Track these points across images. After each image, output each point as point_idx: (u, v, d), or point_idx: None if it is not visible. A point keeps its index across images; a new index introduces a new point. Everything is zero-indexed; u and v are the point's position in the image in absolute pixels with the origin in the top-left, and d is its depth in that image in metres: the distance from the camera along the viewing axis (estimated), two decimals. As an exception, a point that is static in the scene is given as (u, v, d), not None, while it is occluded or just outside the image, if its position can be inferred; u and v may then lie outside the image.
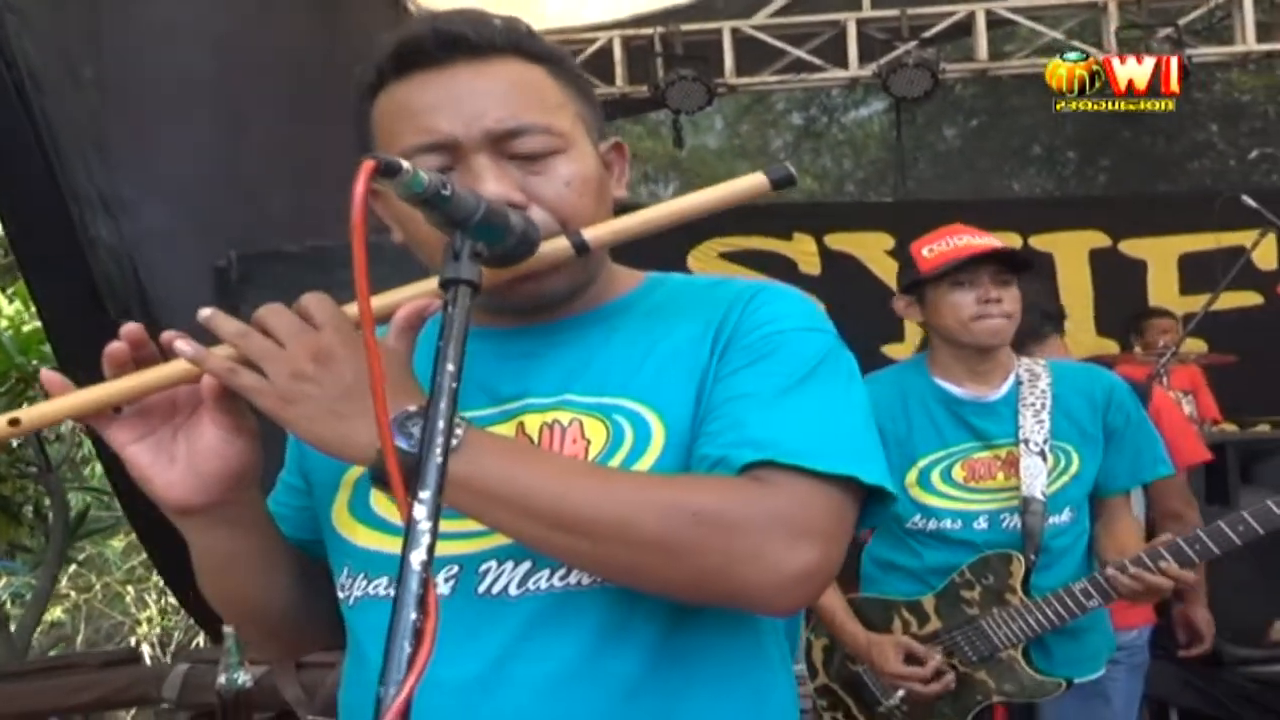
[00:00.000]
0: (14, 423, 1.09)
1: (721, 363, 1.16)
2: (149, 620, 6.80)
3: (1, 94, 3.09)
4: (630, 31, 6.90)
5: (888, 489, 1.11)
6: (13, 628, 4.46)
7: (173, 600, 6.71)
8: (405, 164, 0.92)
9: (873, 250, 6.72)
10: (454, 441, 0.96)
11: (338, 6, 5.30)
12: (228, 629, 2.43)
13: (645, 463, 1.14)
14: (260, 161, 4.31)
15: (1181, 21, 6.67)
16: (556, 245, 1.11)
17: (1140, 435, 2.59)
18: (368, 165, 0.90)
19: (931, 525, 2.53)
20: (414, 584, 0.82)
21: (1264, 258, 5.84)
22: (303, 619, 1.32)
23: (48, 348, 4.32)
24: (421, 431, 0.90)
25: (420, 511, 0.85)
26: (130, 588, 6.85)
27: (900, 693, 2.50)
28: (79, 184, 3.34)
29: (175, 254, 3.69)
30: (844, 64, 6.87)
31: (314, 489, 1.30)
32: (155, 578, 6.75)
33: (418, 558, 0.83)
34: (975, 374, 2.58)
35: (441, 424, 0.90)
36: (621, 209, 1.23)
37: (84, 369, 3.54)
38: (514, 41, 1.18)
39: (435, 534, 0.85)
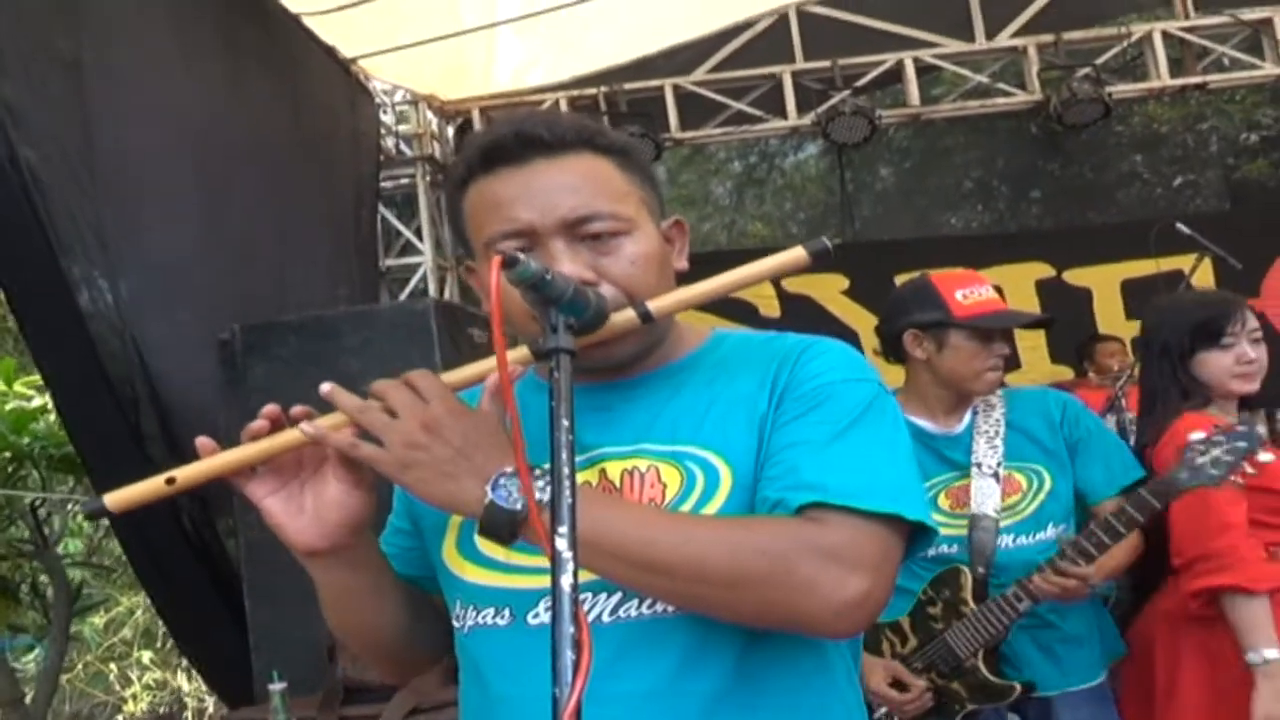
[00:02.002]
0: (170, 481, 1.24)
1: (778, 412, 1.31)
2: (134, 698, 6.73)
3: (7, 194, 3.22)
4: (575, 92, 7.06)
5: (928, 524, 1.26)
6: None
7: (157, 676, 6.67)
8: (521, 256, 1.08)
9: (829, 291, 6.90)
10: (547, 495, 1.11)
11: (299, 80, 5.45)
12: (274, 687, 2.51)
13: (715, 504, 1.28)
14: (240, 235, 4.45)
15: (1098, 61, 6.98)
16: (625, 316, 1.25)
17: (1106, 443, 2.74)
18: (497, 260, 1.07)
19: (932, 551, 2.67)
20: (566, 604, 0.95)
21: (1201, 281, 6.09)
22: (412, 644, 1.47)
23: (37, 425, 4.41)
24: (552, 481, 1.04)
25: (562, 543, 0.99)
26: (113, 665, 6.78)
27: (883, 709, 2.61)
28: (79, 267, 3.47)
29: (169, 327, 3.82)
30: (783, 114, 7.07)
31: (424, 532, 1.46)
32: (137, 653, 6.71)
33: (567, 581, 0.97)
34: (950, 412, 2.73)
35: (567, 470, 1.04)
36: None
37: (91, 436, 3.64)
38: (585, 138, 1.34)
39: (577, 561, 0.99)
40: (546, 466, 1.07)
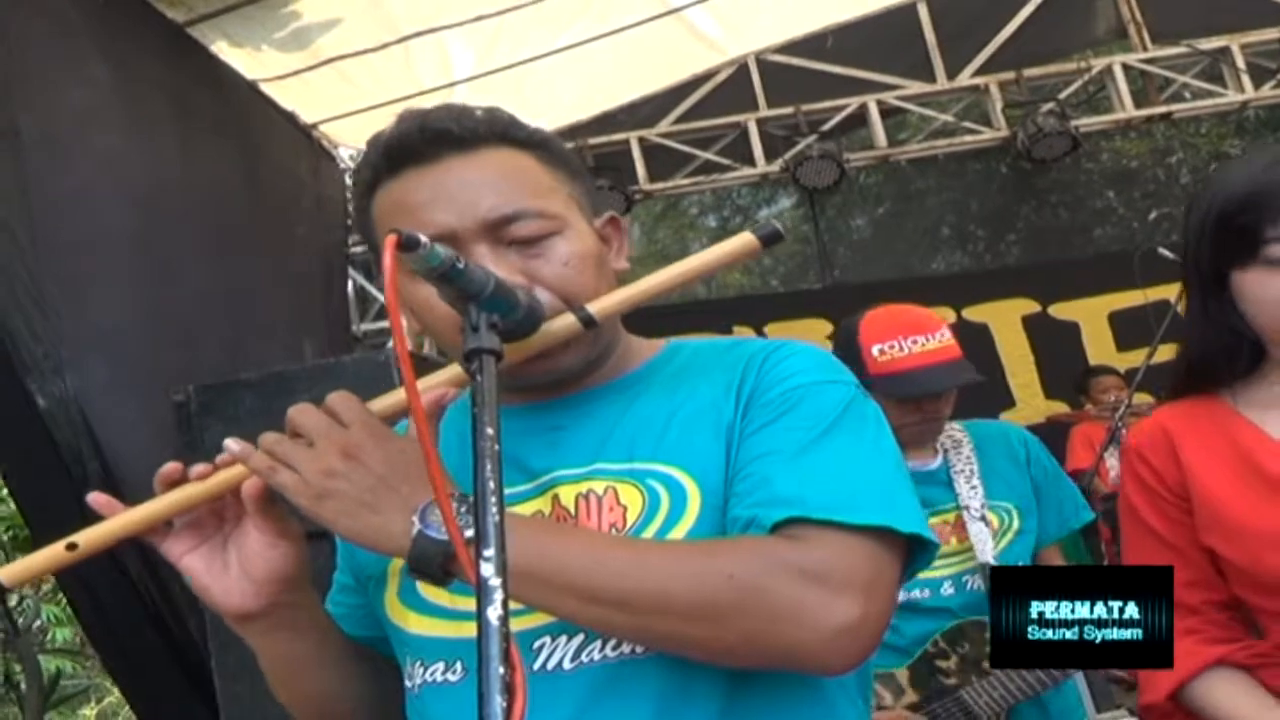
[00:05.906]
0: (71, 547, 1.11)
1: (745, 420, 1.17)
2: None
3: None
4: (539, 148, 7.02)
5: (926, 537, 1.12)
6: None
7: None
8: (423, 238, 0.95)
9: (814, 336, 6.77)
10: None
11: (257, 147, 5.38)
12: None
13: (684, 525, 1.14)
14: (192, 304, 4.35)
15: (1061, 95, 6.97)
16: (564, 322, 1.13)
17: (1060, 485, 2.65)
18: (391, 239, 0.92)
19: (901, 597, 2.48)
20: (495, 641, 0.82)
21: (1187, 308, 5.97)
22: (373, 716, 1.32)
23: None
24: (474, 496, 0.91)
25: (488, 569, 0.86)
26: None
27: None
28: (24, 346, 3.37)
29: (120, 402, 3.70)
30: (751, 161, 7.05)
31: (366, 585, 1.30)
32: (130, 746, 6.39)
33: (495, 613, 0.83)
34: (909, 452, 2.54)
35: (491, 485, 0.91)
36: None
37: (44, 514, 3.46)
38: (499, 131, 1.21)
39: (507, 589, 0.85)
40: None
